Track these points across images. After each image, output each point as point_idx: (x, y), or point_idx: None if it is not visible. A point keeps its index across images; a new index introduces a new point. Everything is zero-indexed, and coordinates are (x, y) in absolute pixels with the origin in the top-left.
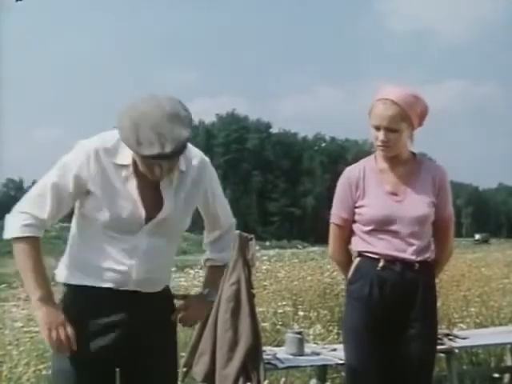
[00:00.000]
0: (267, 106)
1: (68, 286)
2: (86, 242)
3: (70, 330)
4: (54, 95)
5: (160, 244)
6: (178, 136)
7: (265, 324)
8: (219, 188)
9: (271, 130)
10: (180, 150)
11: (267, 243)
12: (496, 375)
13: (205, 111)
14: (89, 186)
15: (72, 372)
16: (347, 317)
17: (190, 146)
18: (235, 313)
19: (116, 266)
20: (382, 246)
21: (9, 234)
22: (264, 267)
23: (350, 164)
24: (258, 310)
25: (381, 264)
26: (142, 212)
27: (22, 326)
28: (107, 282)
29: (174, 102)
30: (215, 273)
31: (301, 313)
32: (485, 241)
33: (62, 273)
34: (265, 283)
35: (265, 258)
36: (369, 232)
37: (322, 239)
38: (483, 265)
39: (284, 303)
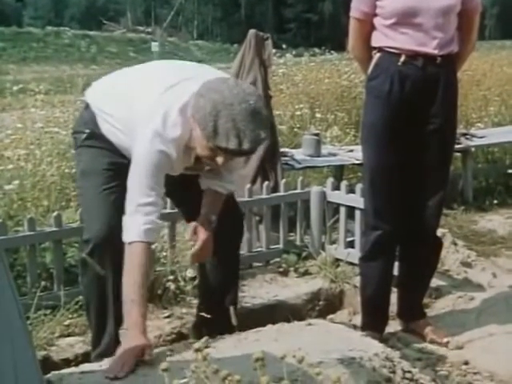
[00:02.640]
0: None
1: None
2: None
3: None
4: None
5: None
6: (257, 136)
7: (282, 127)
8: None
9: None
10: (255, 150)
11: (284, 46)
12: (510, 171)
13: None
14: None
15: (97, 170)
16: (366, 114)
17: None
18: None
19: None
20: (403, 40)
21: (129, 237)
22: (281, 71)
23: None
24: (275, 113)
25: (402, 59)
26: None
27: (42, 127)
28: None
29: (258, 98)
30: (219, 199)
31: (318, 115)
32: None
33: (97, 99)
34: (281, 87)
35: (281, 61)
36: (390, 26)
37: (340, 46)
38: (505, 64)
39: (301, 106)
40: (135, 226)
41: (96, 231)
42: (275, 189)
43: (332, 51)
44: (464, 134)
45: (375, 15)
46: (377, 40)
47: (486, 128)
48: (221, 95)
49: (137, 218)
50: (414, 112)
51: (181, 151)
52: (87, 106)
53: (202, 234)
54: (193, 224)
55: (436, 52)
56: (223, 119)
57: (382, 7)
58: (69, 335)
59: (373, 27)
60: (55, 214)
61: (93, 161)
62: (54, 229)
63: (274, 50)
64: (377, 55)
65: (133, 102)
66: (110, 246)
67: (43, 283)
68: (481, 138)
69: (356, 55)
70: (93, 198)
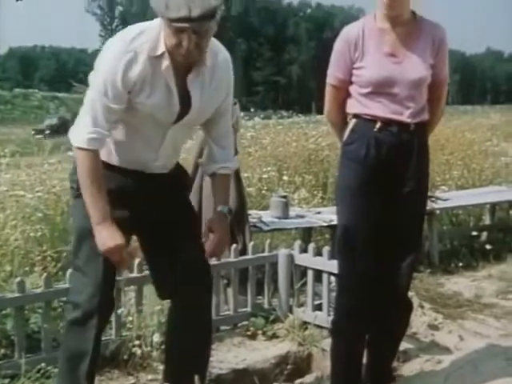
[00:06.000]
0: None
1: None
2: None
3: (125, 252)
4: None
5: (183, 134)
6: (206, 2)
7: (250, 189)
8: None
9: None
10: (207, 15)
11: (252, 110)
12: (474, 233)
13: None
14: (133, 86)
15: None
16: (342, 176)
17: (214, 40)
18: None
19: (139, 158)
20: (378, 108)
21: (75, 142)
22: (249, 134)
23: (336, 31)
24: (243, 175)
25: (378, 126)
26: (177, 106)
27: (7, 190)
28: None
29: None
30: (225, 182)
31: (286, 178)
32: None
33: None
34: (250, 150)
35: (249, 125)
36: (366, 94)
37: (307, 109)
38: (467, 129)
39: (269, 169)
40: (82, 133)
41: (88, 296)
42: (243, 251)
43: (299, 114)
44: (429, 197)
45: (351, 82)
46: (352, 107)
47: (450, 191)
48: None
49: (85, 124)
50: (388, 175)
51: (146, 63)
52: None
53: (217, 230)
54: (208, 220)
55: (409, 120)
56: None
57: (358, 76)
58: None
59: (348, 94)
60: (18, 279)
61: (88, 220)
62: (16, 295)
63: (242, 113)
64: (353, 121)
65: None
66: (100, 312)
67: (3, 351)
68: (445, 200)
69: (331, 120)
70: (87, 260)
